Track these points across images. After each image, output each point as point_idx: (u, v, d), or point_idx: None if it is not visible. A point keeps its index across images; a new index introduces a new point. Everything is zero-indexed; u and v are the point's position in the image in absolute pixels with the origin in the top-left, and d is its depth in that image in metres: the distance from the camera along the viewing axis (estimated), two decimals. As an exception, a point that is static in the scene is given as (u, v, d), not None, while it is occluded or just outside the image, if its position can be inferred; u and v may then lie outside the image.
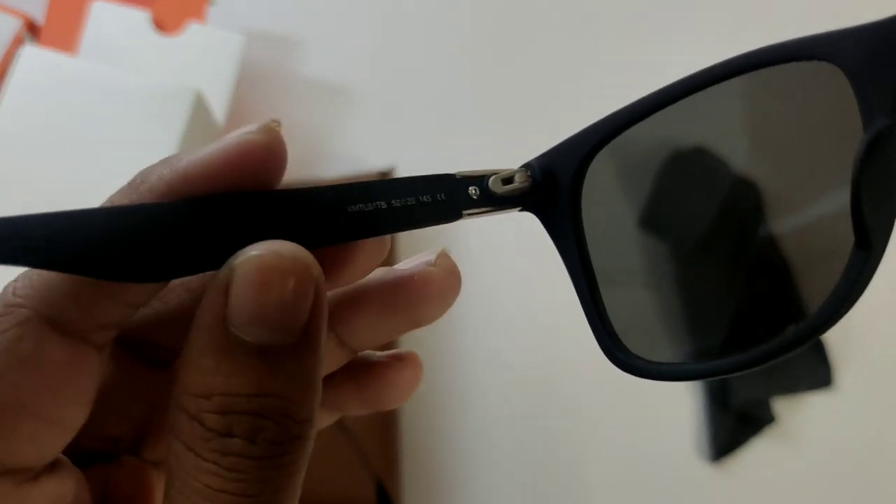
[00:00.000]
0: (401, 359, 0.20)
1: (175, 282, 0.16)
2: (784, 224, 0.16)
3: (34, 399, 0.14)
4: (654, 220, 0.18)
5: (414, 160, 0.54)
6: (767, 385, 0.48)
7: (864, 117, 0.13)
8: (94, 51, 0.46)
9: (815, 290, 0.14)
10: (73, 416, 0.14)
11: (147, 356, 0.17)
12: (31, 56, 0.41)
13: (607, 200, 0.18)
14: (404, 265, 0.18)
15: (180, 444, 0.13)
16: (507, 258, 0.53)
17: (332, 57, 0.56)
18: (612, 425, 0.49)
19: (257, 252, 0.13)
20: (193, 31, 0.47)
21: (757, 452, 0.48)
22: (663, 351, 0.16)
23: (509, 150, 0.57)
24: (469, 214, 0.18)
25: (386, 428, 0.45)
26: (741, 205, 0.17)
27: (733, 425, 0.47)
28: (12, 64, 0.41)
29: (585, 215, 0.17)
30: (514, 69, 0.57)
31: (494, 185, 0.18)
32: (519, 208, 0.18)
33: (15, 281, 0.15)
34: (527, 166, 0.18)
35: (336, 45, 0.57)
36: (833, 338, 0.49)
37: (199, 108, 0.42)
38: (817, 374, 0.48)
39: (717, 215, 0.17)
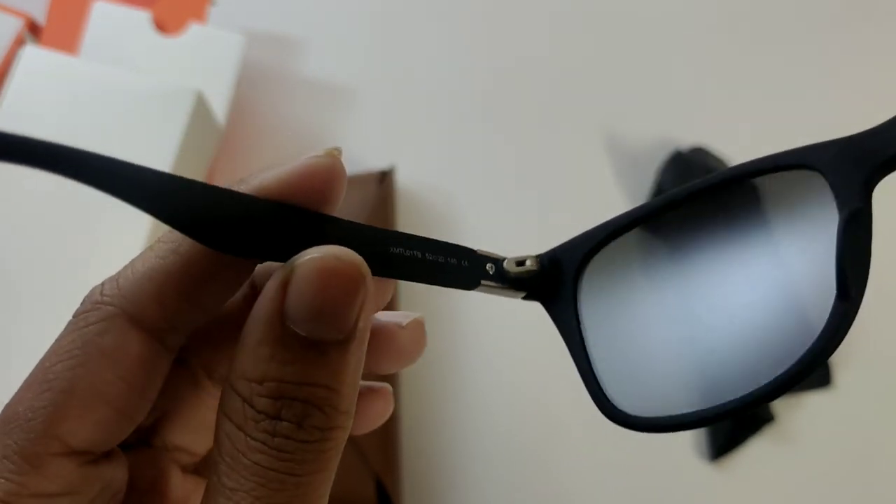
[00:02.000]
0: (374, 391, 0.21)
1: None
2: (768, 293, 0.18)
3: (109, 388, 0.15)
4: (646, 305, 0.20)
5: (414, 161, 0.54)
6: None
7: (840, 204, 0.16)
8: (95, 51, 0.46)
9: (799, 337, 0.16)
10: (139, 408, 0.16)
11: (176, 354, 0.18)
12: (33, 56, 0.41)
13: (605, 290, 0.20)
14: (378, 316, 0.20)
15: (231, 423, 0.14)
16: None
17: (333, 57, 0.57)
18: (612, 424, 0.49)
19: (318, 255, 0.14)
20: (194, 32, 0.47)
21: (756, 452, 0.48)
22: (655, 407, 0.19)
23: (509, 150, 0.57)
24: (484, 286, 0.20)
25: (386, 428, 0.45)
26: (727, 278, 0.19)
27: (732, 425, 0.47)
28: (13, 64, 0.41)
29: (584, 302, 0.20)
30: (514, 69, 0.58)
31: (509, 265, 0.20)
32: (524, 294, 0.20)
33: (101, 284, 0.16)
34: (538, 256, 0.21)
35: (336, 45, 0.57)
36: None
37: (200, 108, 0.42)
38: (816, 373, 0.48)
39: (706, 293, 0.19)
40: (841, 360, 0.49)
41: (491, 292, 0.20)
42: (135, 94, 0.41)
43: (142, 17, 0.47)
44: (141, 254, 0.16)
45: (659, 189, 0.52)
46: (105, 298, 0.16)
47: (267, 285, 0.14)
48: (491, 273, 0.20)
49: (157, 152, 0.40)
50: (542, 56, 0.58)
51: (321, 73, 0.56)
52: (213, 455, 0.15)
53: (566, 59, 0.58)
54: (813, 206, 0.17)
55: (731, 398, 0.17)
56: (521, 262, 0.20)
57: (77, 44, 0.46)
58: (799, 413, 0.49)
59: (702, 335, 0.19)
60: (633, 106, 0.57)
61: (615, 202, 0.54)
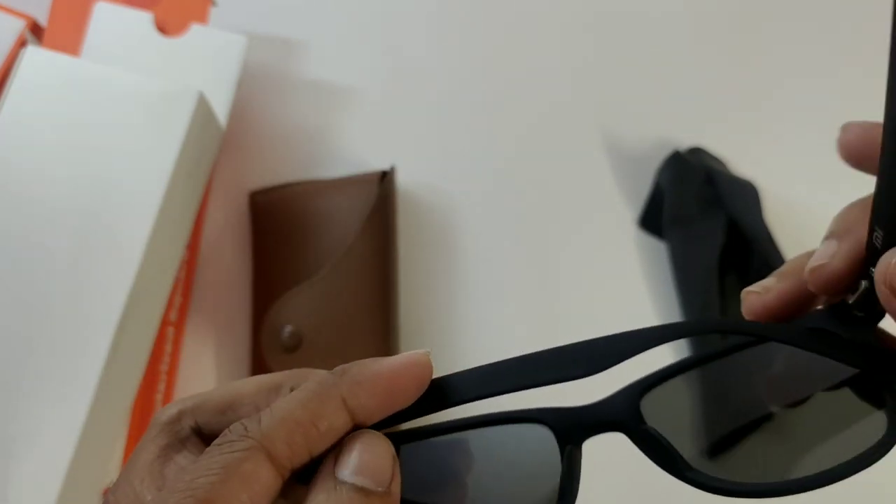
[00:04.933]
0: None
1: None
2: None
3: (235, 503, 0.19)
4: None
5: (414, 161, 0.54)
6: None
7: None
8: (97, 52, 0.46)
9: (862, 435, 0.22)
10: None
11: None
12: (35, 57, 0.41)
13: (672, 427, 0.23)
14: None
15: None
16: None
17: (333, 58, 0.57)
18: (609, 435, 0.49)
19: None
20: (196, 33, 0.47)
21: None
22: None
23: (509, 150, 0.57)
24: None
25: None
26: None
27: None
28: (15, 65, 0.41)
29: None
30: (514, 70, 0.58)
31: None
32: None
33: (243, 421, 0.20)
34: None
35: (337, 46, 0.57)
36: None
37: (202, 108, 0.42)
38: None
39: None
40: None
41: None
42: (136, 94, 0.41)
43: (143, 18, 0.47)
44: (292, 398, 0.20)
45: (657, 189, 0.53)
46: (249, 433, 0.19)
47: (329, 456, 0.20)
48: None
49: (158, 153, 0.40)
50: (542, 57, 0.58)
51: (322, 74, 0.56)
52: None
53: (566, 60, 0.58)
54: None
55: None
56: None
57: (79, 45, 0.46)
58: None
59: None
60: (633, 106, 0.57)
61: (614, 202, 0.55)
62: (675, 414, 0.23)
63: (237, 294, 0.51)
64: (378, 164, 0.52)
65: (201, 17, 0.48)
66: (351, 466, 0.19)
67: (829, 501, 0.49)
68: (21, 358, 0.37)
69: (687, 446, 0.23)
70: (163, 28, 0.47)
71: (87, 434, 0.36)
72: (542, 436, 0.23)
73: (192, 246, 0.50)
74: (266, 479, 0.19)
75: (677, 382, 0.24)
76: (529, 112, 0.57)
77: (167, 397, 0.47)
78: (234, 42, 0.48)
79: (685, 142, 0.55)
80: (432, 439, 0.23)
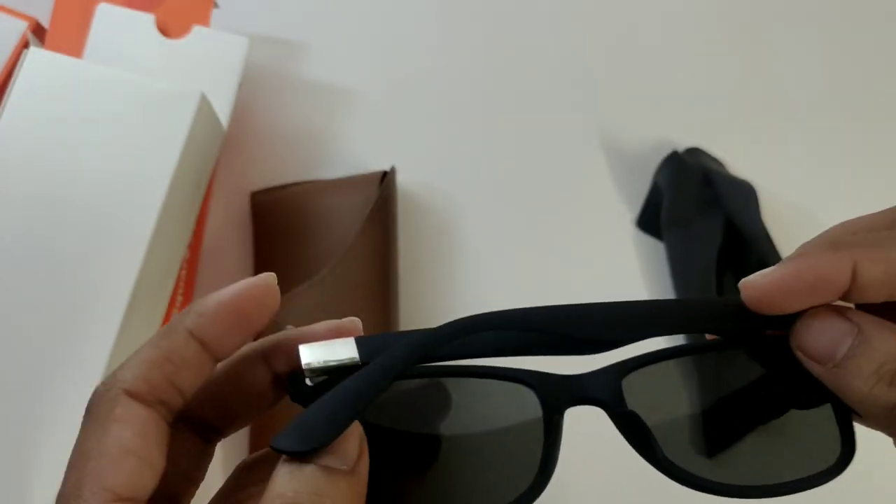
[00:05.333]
0: None
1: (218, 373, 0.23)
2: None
3: (129, 443, 0.20)
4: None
5: (414, 162, 0.54)
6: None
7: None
8: (100, 53, 0.46)
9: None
10: (157, 457, 0.21)
11: (202, 433, 0.23)
12: (37, 58, 0.42)
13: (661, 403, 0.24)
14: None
15: None
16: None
17: (334, 59, 0.57)
18: (612, 424, 0.50)
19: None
20: (197, 34, 0.48)
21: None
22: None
23: (509, 151, 0.57)
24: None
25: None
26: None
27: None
28: (18, 66, 0.42)
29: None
30: (514, 71, 0.58)
31: None
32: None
33: (114, 373, 0.21)
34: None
35: (338, 48, 0.57)
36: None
37: (203, 109, 0.42)
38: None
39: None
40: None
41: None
42: (138, 95, 0.41)
43: (146, 20, 0.47)
44: (146, 343, 0.22)
45: (656, 189, 0.53)
46: (107, 385, 0.21)
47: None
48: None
49: (160, 153, 0.40)
50: (542, 58, 0.58)
51: (323, 75, 0.56)
52: None
53: (565, 61, 0.58)
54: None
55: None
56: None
57: (81, 46, 0.47)
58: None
59: None
60: (631, 107, 0.58)
61: (613, 202, 0.55)
62: (658, 399, 0.24)
63: (238, 294, 0.51)
64: (378, 165, 0.52)
65: (203, 19, 0.49)
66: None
67: (829, 501, 0.50)
68: (24, 357, 0.37)
69: (664, 433, 0.23)
70: (165, 30, 0.48)
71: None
72: (527, 398, 0.23)
73: (194, 246, 0.50)
74: (140, 415, 0.20)
75: (666, 367, 0.24)
76: (529, 113, 0.57)
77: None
78: (235, 43, 0.48)
79: (683, 142, 0.55)
80: (420, 380, 0.23)
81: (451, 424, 0.23)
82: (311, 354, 0.22)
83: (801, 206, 0.54)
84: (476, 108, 0.57)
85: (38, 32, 0.48)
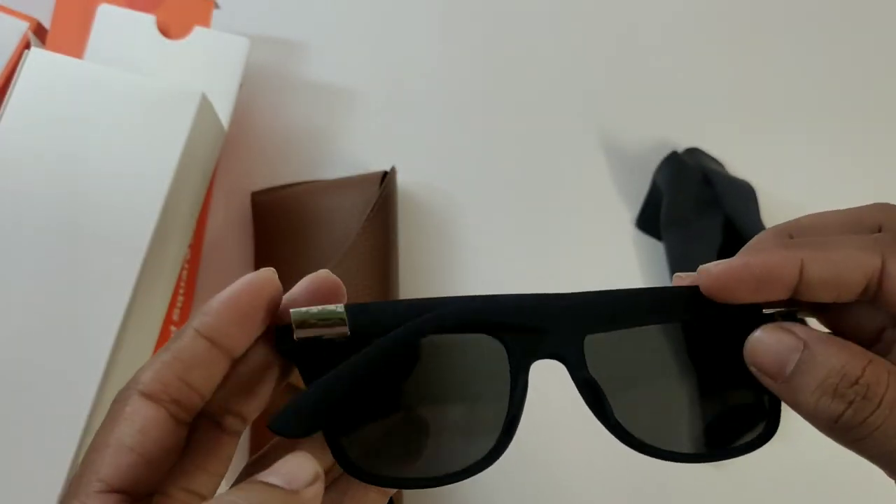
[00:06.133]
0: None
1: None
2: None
3: (131, 440, 0.21)
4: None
5: (414, 162, 0.54)
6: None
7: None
8: (100, 54, 0.47)
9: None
10: (158, 457, 0.22)
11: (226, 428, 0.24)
12: (38, 58, 0.42)
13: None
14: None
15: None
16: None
17: (335, 60, 0.57)
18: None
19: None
20: (198, 35, 0.48)
21: (756, 451, 0.48)
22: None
23: (509, 151, 0.58)
24: None
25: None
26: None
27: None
28: (19, 66, 0.42)
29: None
30: (514, 71, 0.58)
31: None
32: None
33: (138, 372, 0.23)
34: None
35: (338, 48, 0.57)
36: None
37: (204, 110, 0.42)
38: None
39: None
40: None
41: None
42: (139, 96, 0.41)
43: (146, 21, 0.47)
44: (162, 347, 0.23)
45: (655, 189, 0.53)
46: (126, 388, 0.22)
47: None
48: None
49: (161, 154, 0.40)
50: (542, 58, 0.58)
51: (323, 76, 0.56)
52: None
53: (565, 61, 0.59)
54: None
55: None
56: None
57: (82, 47, 0.47)
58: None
59: None
60: (630, 107, 0.58)
61: (612, 202, 0.55)
62: (617, 364, 0.25)
63: (239, 294, 0.51)
64: (378, 165, 0.52)
65: (204, 20, 0.49)
66: (269, 471, 0.22)
67: (831, 499, 0.50)
68: (24, 357, 0.37)
69: (619, 398, 0.25)
70: (165, 30, 0.48)
71: (90, 433, 0.37)
72: (494, 349, 0.24)
73: (195, 246, 0.50)
74: (148, 413, 0.22)
75: (628, 334, 0.25)
76: (529, 113, 0.57)
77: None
78: (236, 44, 0.48)
79: (683, 142, 0.55)
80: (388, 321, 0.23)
81: (422, 383, 0.25)
82: (300, 313, 0.23)
83: (800, 206, 0.54)
84: (476, 109, 0.57)
85: (40, 33, 0.48)
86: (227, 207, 0.53)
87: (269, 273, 0.24)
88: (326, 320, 0.23)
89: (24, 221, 0.39)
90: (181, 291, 0.49)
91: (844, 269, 0.24)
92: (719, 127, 0.57)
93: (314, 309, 0.23)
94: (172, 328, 0.48)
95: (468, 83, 0.57)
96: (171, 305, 0.47)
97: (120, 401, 0.22)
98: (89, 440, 0.37)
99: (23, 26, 0.47)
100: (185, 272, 0.49)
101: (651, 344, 0.26)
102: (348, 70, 0.57)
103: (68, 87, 0.41)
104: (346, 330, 0.23)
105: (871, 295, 0.24)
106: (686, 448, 0.26)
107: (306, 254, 0.49)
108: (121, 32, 0.47)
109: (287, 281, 0.49)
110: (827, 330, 0.28)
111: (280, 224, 0.50)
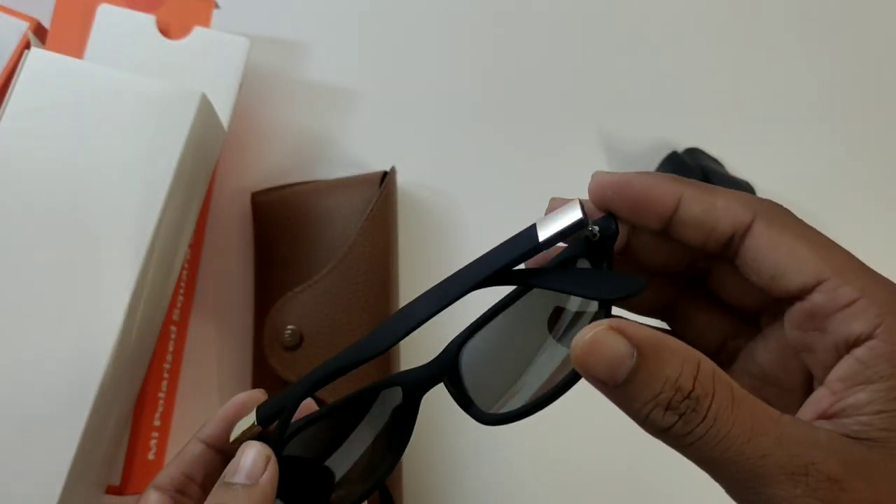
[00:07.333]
0: None
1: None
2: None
3: None
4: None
5: (414, 162, 0.54)
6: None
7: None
8: (100, 54, 0.47)
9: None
10: None
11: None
12: (38, 58, 0.42)
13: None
14: None
15: None
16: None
17: (334, 60, 0.57)
18: (612, 424, 0.50)
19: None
20: (198, 35, 0.48)
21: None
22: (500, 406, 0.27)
23: (509, 151, 0.58)
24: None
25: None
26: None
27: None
28: (19, 66, 0.42)
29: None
30: (514, 72, 0.58)
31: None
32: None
33: (160, 472, 0.30)
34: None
35: (338, 48, 0.58)
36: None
37: (204, 110, 0.42)
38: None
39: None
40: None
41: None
42: (139, 96, 0.41)
43: (146, 21, 0.47)
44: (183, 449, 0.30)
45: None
46: (154, 481, 0.29)
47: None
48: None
49: (161, 154, 0.41)
50: (541, 58, 0.58)
51: (323, 76, 0.57)
52: None
53: (565, 62, 0.59)
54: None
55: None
56: None
57: (82, 47, 0.47)
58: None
59: None
60: (630, 107, 0.58)
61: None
62: (480, 359, 0.28)
63: (239, 294, 0.51)
64: (378, 165, 0.52)
65: (204, 20, 0.49)
66: (230, 470, 0.27)
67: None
68: (24, 357, 0.37)
69: (481, 391, 0.27)
70: (165, 31, 0.48)
71: (89, 433, 0.37)
72: (397, 396, 0.28)
73: (195, 246, 0.50)
74: (157, 499, 0.28)
75: (484, 332, 0.28)
76: (529, 112, 0.57)
77: (170, 396, 0.48)
78: (236, 44, 0.48)
79: (682, 143, 0.55)
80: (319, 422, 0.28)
81: (346, 438, 0.29)
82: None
83: (800, 206, 0.54)
84: (476, 109, 0.57)
85: (40, 33, 0.48)
86: (227, 207, 0.53)
87: (257, 394, 0.30)
88: (246, 432, 0.28)
89: (24, 221, 0.39)
90: (181, 291, 0.49)
91: (718, 214, 0.24)
92: (719, 127, 0.57)
93: (235, 431, 0.28)
94: (172, 328, 0.48)
95: (468, 83, 0.58)
96: (171, 305, 0.47)
97: (142, 494, 0.29)
98: (89, 440, 0.37)
99: (23, 26, 0.47)
100: (185, 272, 0.49)
101: (506, 321, 0.28)
102: (348, 70, 0.57)
103: (68, 87, 0.41)
104: (258, 429, 0.28)
105: (733, 251, 0.25)
106: (520, 404, 0.26)
107: (306, 254, 0.49)
108: (121, 32, 0.47)
109: (287, 281, 0.49)
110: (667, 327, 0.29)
111: (280, 224, 0.50)
